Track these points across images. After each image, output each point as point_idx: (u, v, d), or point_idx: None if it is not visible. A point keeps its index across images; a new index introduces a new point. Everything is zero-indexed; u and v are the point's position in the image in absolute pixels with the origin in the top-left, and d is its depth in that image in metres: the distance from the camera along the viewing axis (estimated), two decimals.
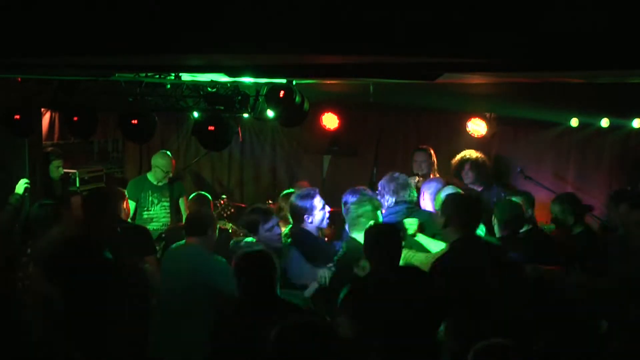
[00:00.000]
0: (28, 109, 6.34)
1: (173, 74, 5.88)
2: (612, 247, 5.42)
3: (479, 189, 7.14)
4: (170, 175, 7.36)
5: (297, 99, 5.74)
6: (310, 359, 2.87)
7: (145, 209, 7.22)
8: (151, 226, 6.99)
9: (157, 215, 7.22)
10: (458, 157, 7.25)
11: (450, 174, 7.29)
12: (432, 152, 7.35)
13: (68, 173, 7.73)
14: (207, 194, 6.95)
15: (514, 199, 5.90)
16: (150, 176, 7.37)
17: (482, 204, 5.36)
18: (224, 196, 7.94)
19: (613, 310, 4.23)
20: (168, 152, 7.49)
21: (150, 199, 7.26)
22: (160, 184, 7.29)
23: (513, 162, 7.75)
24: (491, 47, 3.26)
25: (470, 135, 7.72)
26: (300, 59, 4.15)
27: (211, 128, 5.94)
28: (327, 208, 5.68)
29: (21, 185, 6.35)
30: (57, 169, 7.50)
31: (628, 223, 5.29)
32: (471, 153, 7.23)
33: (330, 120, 8.18)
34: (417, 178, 7.03)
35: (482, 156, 7.24)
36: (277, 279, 4.01)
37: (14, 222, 6.28)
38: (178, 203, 7.43)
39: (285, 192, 6.48)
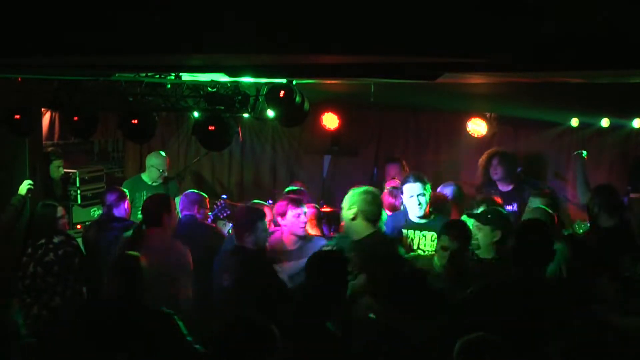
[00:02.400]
0: (28, 109, 6.34)
1: (173, 74, 5.88)
2: None
3: (509, 187, 7.04)
4: (166, 174, 7.36)
5: (297, 98, 5.74)
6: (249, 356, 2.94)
7: (140, 209, 7.20)
8: None
9: None
10: (485, 153, 7.16)
11: (479, 172, 7.23)
12: (404, 163, 7.25)
13: (68, 173, 7.73)
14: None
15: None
16: (144, 176, 7.39)
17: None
18: (224, 196, 7.93)
19: None
20: (162, 152, 7.50)
21: (144, 198, 7.24)
22: (155, 184, 7.30)
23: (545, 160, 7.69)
24: (491, 47, 3.26)
25: (470, 135, 7.72)
26: (300, 59, 4.15)
27: (211, 128, 5.94)
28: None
29: (24, 187, 6.35)
30: (58, 169, 7.50)
31: None
32: (499, 148, 7.19)
33: (330, 120, 8.18)
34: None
35: (511, 151, 7.18)
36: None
37: (15, 222, 6.28)
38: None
39: (288, 189, 6.48)
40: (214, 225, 6.78)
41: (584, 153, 6.86)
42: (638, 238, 5.33)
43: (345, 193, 6.34)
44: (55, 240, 5.63)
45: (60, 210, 5.87)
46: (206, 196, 6.57)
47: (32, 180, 6.65)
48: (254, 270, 4.94)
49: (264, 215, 5.33)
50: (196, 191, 6.52)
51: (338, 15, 3.15)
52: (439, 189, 6.33)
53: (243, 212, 5.41)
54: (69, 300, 5.60)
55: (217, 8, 3.25)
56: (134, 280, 4.22)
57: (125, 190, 6.47)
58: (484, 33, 3.15)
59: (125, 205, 6.22)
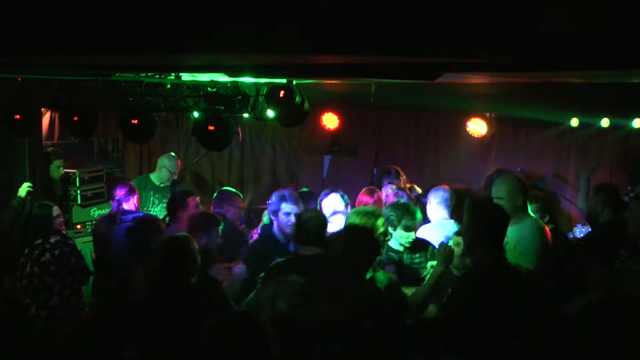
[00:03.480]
0: (28, 109, 6.34)
1: (173, 74, 5.88)
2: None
3: None
4: (175, 177, 7.35)
5: (297, 99, 5.74)
6: (241, 354, 2.93)
7: (145, 208, 7.22)
8: None
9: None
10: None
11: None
12: (400, 172, 7.25)
13: (68, 173, 7.72)
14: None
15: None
16: (153, 177, 7.38)
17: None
18: None
19: None
20: (174, 154, 7.50)
21: (151, 199, 7.26)
22: (162, 185, 7.29)
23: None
24: (491, 47, 3.26)
25: (470, 135, 7.72)
26: (300, 59, 4.15)
27: (211, 128, 5.95)
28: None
29: (24, 189, 6.35)
30: (58, 169, 7.50)
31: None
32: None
33: (330, 120, 8.18)
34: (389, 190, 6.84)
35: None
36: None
37: (15, 224, 6.28)
38: None
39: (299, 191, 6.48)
40: (240, 225, 6.71)
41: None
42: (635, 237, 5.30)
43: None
44: (52, 240, 5.64)
45: (56, 210, 5.88)
46: (235, 191, 6.56)
47: (32, 181, 6.66)
48: None
49: (219, 222, 5.36)
50: (228, 188, 6.56)
51: (338, 15, 3.15)
52: (429, 193, 6.31)
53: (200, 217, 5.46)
54: (67, 300, 5.61)
55: (217, 8, 3.24)
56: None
57: (134, 185, 6.49)
58: (484, 33, 3.15)
59: (135, 200, 6.24)
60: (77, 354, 4.09)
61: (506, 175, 5.66)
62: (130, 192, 6.23)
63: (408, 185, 7.10)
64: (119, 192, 6.21)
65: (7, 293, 5.70)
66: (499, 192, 5.15)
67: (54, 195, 7.25)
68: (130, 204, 6.19)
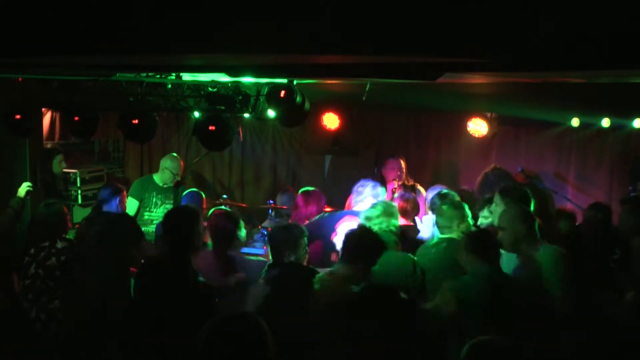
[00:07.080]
0: (28, 109, 6.34)
1: (174, 74, 5.88)
2: None
3: None
4: (178, 178, 7.34)
5: (298, 98, 5.74)
6: (241, 353, 2.89)
7: (148, 209, 7.21)
8: (150, 228, 6.94)
9: (158, 218, 7.17)
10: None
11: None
12: (402, 161, 7.31)
13: (68, 173, 7.72)
14: (200, 192, 6.86)
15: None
16: (156, 177, 7.35)
17: None
18: (224, 196, 7.94)
19: None
20: (176, 155, 7.49)
21: (154, 200, 7.24)
22: (165, 186, 7.27)
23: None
24: (491, 47, 3.26)
25: (470, 135, 7.72)
26: (301, 59, 4.15)
27: (212, 128, 5.94)
28: None
29: (23, 189, 6.33)
30: (60, 164, 7.48)
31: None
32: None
33: (331, 120, 8.18)
34: (395, 184, 7.01)
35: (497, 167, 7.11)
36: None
37: (14, 224, 6.26)
38: None
39: (303, 189, 6.46)
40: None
41: None
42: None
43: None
44: (59, 245, 5.61)
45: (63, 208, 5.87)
46: (203, 195, 6.55)
47: (33, 180, 6.64)
48: None
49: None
50: (195, 190, 6.54)
51: (338, 15, 3.15)
52: (427, 192, 6.31)
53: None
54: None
55: (217, 8, 3.25)
56: None
57: (121, 186, 6.42)
58: (484, 33, 3.15)
59: (117, 202, 6.13)
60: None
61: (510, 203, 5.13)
62: (114, 193, 6.06)
63: (410, 182, 7.13)
64: (103, 193, 6.08)
65: (11, 293, 5.68)
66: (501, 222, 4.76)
67: (56, 190, 7.24)
68: (111, 206, 6.01)
